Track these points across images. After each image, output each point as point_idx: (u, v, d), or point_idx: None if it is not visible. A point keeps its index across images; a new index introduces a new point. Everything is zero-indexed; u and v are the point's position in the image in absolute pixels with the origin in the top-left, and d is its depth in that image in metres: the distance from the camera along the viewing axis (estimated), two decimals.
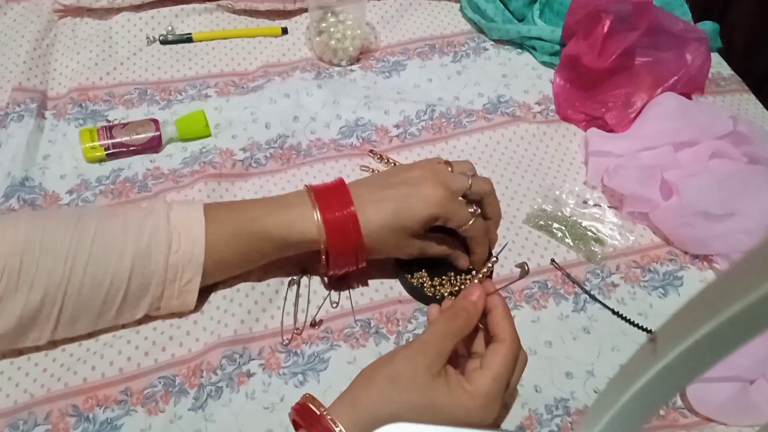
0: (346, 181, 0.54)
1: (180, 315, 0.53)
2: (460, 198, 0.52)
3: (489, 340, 0.44)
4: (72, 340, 0.52)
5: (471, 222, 0.52)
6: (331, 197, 0.51)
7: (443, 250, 0.55)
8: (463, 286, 0.57)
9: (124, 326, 0.53)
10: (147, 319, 0.53)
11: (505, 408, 0.46)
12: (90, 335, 0.52)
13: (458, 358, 0.46)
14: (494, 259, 0.55)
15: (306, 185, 0.53)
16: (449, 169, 0.53)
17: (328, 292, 0.57)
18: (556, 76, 0.76)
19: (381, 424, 0.40)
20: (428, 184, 0.50)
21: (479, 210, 0.53)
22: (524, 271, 0.49)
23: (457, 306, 0.44)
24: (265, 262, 0.54)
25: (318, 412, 0.42)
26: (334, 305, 0.56)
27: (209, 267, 0.50)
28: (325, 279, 0.58)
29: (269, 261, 0.54)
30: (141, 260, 0.47)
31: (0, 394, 0.49)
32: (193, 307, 0.52)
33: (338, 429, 0.40)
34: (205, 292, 0.54)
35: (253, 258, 0.53)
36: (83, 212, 0.50)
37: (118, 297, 0.48)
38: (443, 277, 0.58)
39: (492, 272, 0.57)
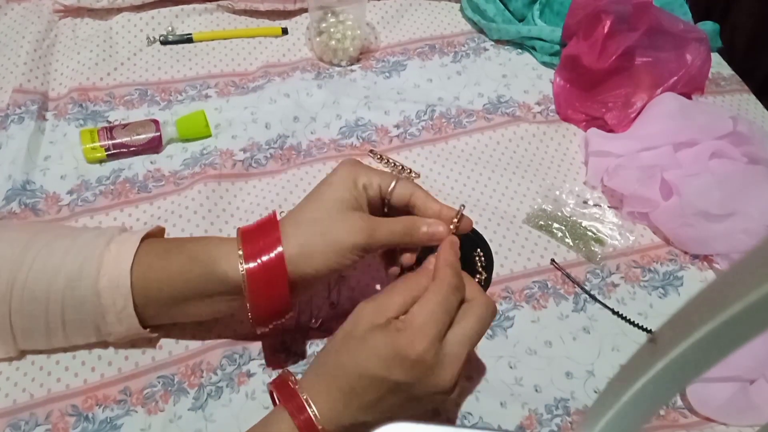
0: None
1: (150, 342, 0.52)
2: (372, 169, 0.47)
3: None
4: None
5: (393, 183, 0.47)
6: (258, 237, 0.45)
7: (395, 230, 0.46)
8: None
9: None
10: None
11: (462, 364, 0.42)
12: None
13: None
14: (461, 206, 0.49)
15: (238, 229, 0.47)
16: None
17: (328, 292, 0.57)
18: (556, 76, 0.76)
19: (333, 377, 0.41)
20: (345, 215, 0.45)
21: (403, 168, 0.51)
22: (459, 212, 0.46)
23: (417, 273, 0.44)
24: (202, 309, 0.48)
25: (293, 388, 0.42)
26: (334, 305, 0.56)
27: (138, 293, 0.46)
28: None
29: (207, 308, 0.49)
30: (72, 283, 0.46)
31: None
32: (140, 331, 0.48)
33: (304, 397, 0.41)
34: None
35: (183, 290, 0.47)
36: (39, 230, 0.49)
37: (58, 319, 0.47)
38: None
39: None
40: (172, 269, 0.46)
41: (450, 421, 0.51)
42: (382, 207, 0.48)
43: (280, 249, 0.43)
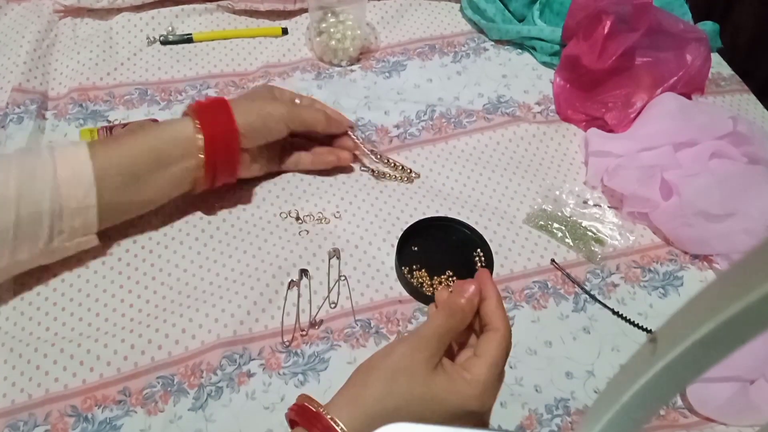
0: (344, 182, 0.53)
1: (86, 243, 0.54)
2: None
3: (482, 327, 0.44)
4: (70, 340, 0.52)
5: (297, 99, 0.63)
6: (212, 114, 0.56)
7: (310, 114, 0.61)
8: None
9: (115, 324, 0.53)
10: (140, 314, 0.54)
11: (497, 399, 0.46)
12: (88, 334, 0.52)
13: (450, 350, 0.46)
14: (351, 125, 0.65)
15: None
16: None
17: (327, 292, 0.57)
18: (556, 76, 0.76)
19: (381, 418, 0.40)
20: (270, 104, 0.59)
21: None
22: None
23: (453, 303, 0.44)
24: (160, 182, 0.55)
25: (316, 411, 0.42)
26: (333, 305, 0.56)
27: (101, 176, 0.50)
28: (327, 278, 0.58)
29: (165, 181, 0.55)
30: (27, 180, 0.48)
31: None
32: (95, 225, 0.52)
33: (339, 427, 0.40)
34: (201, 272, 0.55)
35: (144, 161, 0.53)
36: None
37: (9, 226, 0.48)
38: (443, 276, 0.58)
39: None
40: (130, 146, 0.53)
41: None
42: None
43: (231, 116, 0.55)
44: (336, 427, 0.40)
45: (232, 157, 0.57)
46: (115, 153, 0.52)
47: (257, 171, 0.61)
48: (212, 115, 0.55)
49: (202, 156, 0.54)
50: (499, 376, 0.43)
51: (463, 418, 0.41)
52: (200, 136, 0.54)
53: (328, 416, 0.41)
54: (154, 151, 0.53)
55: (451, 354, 0.45)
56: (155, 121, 0.66)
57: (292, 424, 0.44)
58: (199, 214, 0.61)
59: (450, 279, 0.58)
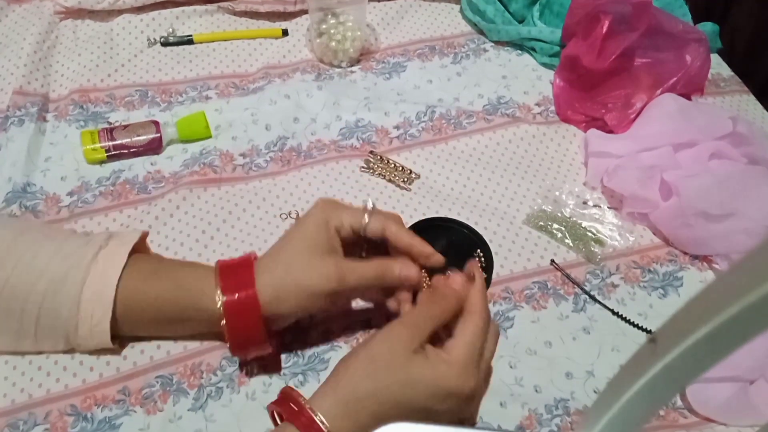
0: (345, 183, 0.52)
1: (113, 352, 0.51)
2: (346, 207, 0.49)
3: (462, 313, 0.45)
4: None
5: (365, 221, 0.48)
6: (235, 274, 0.47)
7: (367, 275, 0.48)
8: None
9: None
10: None
11: (485, 382, 0.46)
12: None
13: (438, 342, 0.47)
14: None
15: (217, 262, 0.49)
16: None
17: None
18: (556, 77, 0.76)
19: (361, 403, 0.41)
20: (314, 259, 0.46)
21: (370, 205, 0.49)
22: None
23: (439, 292, 0.45)
24: (180, 332, 0.52)
25: (299, 403, 0.42)
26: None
27: (121, 310, 0.47)
28: None
29: (186, 332, 0.52)
30: (54, 286, 0.46)
31: None
32: (113, 346, 0.49)
33: (318, 418, 0.41)
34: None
35: (166, 314, 0.49)
36: (26, 228, 0.49)
37: (32, 318, 0.47)
38: (442, 276, 0.58)
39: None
40: (158, 293, 0.48)
41: (450, 420, 0.51)
42: (361, 241, 0.50)
43: (253, 290, 0.45)
44: (315, 418, 0.41)
45: (258, 339, 0.47)
46: (140, 292, 0.47)
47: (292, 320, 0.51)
48: (237, 305, 0.45)
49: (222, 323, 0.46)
50: (477, 357, 0.43)
51: (446, 400, 0.42)
52: (221, 314, 0.45)
53: (308, 406, 0.41)
54: (180, 303, 0.48)
55: (439, 345, 0.46)
56: (156, 122, 0.66)
57: (278, 416, 0.45)
58: (198, 214, 0.61)
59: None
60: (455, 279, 0.46)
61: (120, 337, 0.50)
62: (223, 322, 0.45)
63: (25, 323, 0.47)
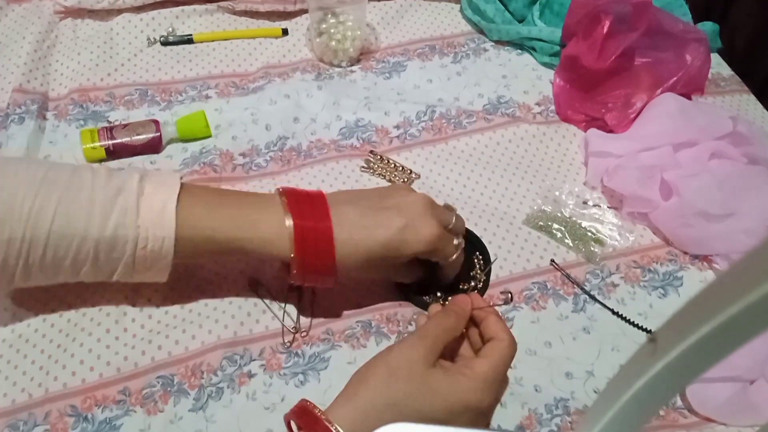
0: (345, 183, 0.53)
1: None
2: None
3: (485, 339, 0.46)
4: (73, 339, 0.52)
5: (455, 255, 0.52)
6: (307, 208, 0.49)
7: (411, 278, 0.55)
8: None
9: (117, 322, 0.53)
10: (140, 313, 0.54)
11: (499, 403, 0.47)
12: (90, 331, 0.52)
13: (446, 358, 0.48)
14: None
15: (280, 191, 0.50)
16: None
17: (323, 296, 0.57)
18: (556, 76, 0.76)
19: (378, 414, 0.41)
20: (425, 218, 0.48)
21: (462, 243, 0.52)
22: (508, 299, 0.53)
23: (448, 307, 0.47)
24: (238, 257, 0.54)
25: (316, 415, 0.42)
26: (304, 334, 0.55)
27: (177, 252, 0.47)
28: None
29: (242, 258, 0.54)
30: (106, 247, 0.46)
31: None
32: (165, 279, 0.50)
33: (334, 428, 0.40)
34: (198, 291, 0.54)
35: (222, 261, 0.52)
36: (47, 176, 0.46)
37: (87, 257, 0.46)
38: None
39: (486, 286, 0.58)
40: (217, 251, 0.49)
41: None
42: None
43: (328, 221, 0.48)
44: (332, 428, 0.40)
45: (327, 273, 0.49)
46: (200, 222, 0.48)
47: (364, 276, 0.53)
48: (311, 238, 0.47)
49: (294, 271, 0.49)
50: (501, 382, 0.44)
51: (462, 415, 0.42)
52: (291, 253, 0.48)
53: (324, 418, 0.41)
54: (239, 240, 0.48)
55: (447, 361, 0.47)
56: (155, 121, 0.66)
57: (292, 426, 0.44)
58: None
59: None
60: (461, 297, 0.48)
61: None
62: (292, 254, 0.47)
63: (79, 260, 0.46)
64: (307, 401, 0.44)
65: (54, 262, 0.46)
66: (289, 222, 0.47)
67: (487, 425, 0.46)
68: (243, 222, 0.48)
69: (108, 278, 0.49)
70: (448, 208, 0.53)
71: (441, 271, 0.54)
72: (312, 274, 0.49)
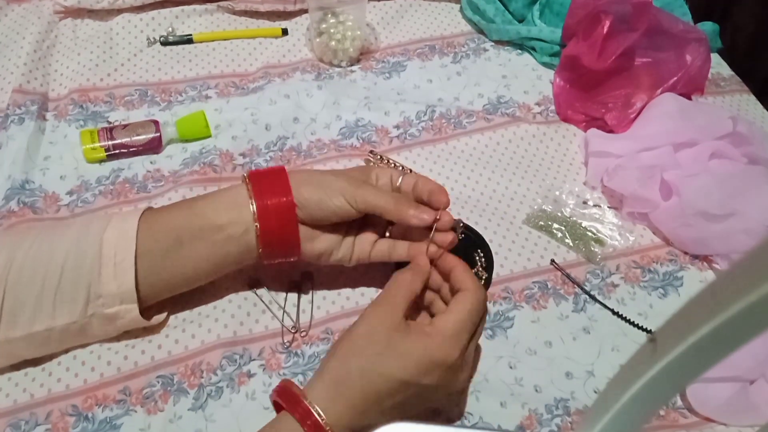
0: None
1: (126, 313, 0.49)
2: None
3: (453, 291, 0.47)
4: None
5: (400, 178, 0.51)
6: (268, 182, 0.50)
7: (384, 196, 0.50)
8: None
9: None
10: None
11: (475, 362, 0.48)
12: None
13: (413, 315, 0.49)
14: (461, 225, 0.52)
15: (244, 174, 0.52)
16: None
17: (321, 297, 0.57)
18: (556, 76, 0.76)
19: (351, 384, 0.42)
20: (363, 171, 0.52)
21: (397, 167, 0.54)
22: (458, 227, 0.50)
23: (405, 269, 0.48)
24: (204, 253, 0.50)
25: (296, 394, 0.43)
26: (303, 333, 0.55)
27: (143, 251, 0.47)
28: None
29: (214, 240, 0.49)
30: (77, 242, 0.47)
31: (0, 394, 0.49)
32: (133, 293, 0.47)
33: (314, 408, 0.42)
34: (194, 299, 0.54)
35: (188, 230, 0.49)
36: (32, 226, 0.51)
37: (54, 280, 0.46)
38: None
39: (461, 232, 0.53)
40: (178, 210, 0.50)
41: (450, 420, 0.51)
42: (385, 222, 0.52)
43: (289, 194, 0.48)
44: (312, 409, 0.42)
45: (289, 229, 0.49)
46: (161, 217, 0.49)
47: (324, 251, 0.51)
48: (266, 182, 0.49)
49: (256, 224, 0.48)
50: (465, 332, 0.44)
51: (433, 371, 0.43)
52: (252, 204, 0.48)
53: (306, 400, 0.42)
54: (201, 216, 0.49)
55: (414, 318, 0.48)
56: (155, 122, 0.66)
57: (276, 406, 0.46)
58: None
59: None
60: (417, 253, 0.49)
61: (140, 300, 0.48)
62: (257, 225, 0.48)
63: (46, 288, 0.46)
64: (288, 381, 0.46)
65: (30, 280, 0.46)
66: (252, 200, 0.48)
67: (466, 382, 0.46)
68: (205, 197, 0.51)
69: (80, 297, 0.47)
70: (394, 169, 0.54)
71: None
72: (278, 244, 0.50)
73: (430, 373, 0.42)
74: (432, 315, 0.49)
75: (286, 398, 0.44)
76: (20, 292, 0.46)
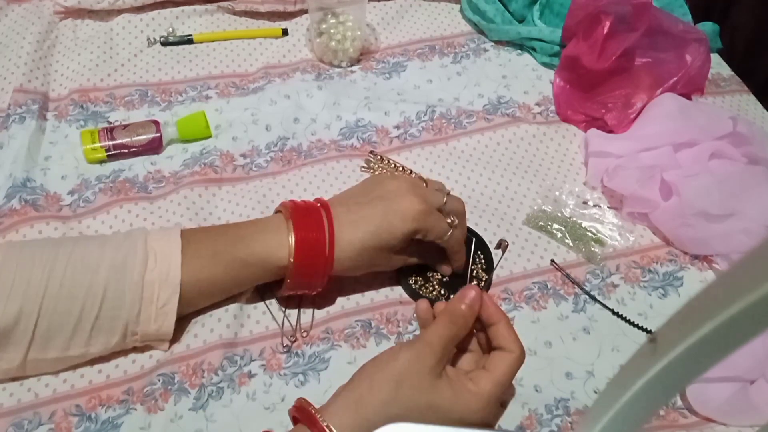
0: (345, 183, 0.53)
1: (158, 344, 0.51)
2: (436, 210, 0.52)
3: (491, 347, 0.45)
4: None
5: (449, 233, 0.52)
6: (308, 220, 0.50)
7: (422, 261, 0.56)
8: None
9: None
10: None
11: (502, 406, 0.47)
12: None
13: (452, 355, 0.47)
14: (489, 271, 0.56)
15: (283, 204, 0.53)
16: (424, 184, 0.54)
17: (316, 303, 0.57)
18: (556, 77, 0.76)
19: (381, 423, 0.40)
20: (406, 197, 0.50)
21: (456, 220, 0.53)
22: (504, 247, 0.51)
23: (455, 311, 0.44)
24: (242, 290, 0.54)
25: (312, 413, 0.42)
26: (304, 334, 0.55)
27: (186, 289, 0.48)
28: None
29: (246, 288, 0.54)
30: (116, 274, 0.46)
31: (4, 393, 0.49)
32: (171, 333, 0.50)
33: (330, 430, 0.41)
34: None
35: (229, 283, 0.52)
36: (63, 237, 0.52)
37: (93, 312, 0.46)
38: (444, 278, 0.58)
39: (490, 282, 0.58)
40: (225, 267, 0.50)
41: None
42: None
43: (323, 234, 0.50)
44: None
45: (319, 281, 0.52)
46: (205, 250, 0.50)
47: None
48: (309, 250, 0.49)
49: (288, 280, 0.51)
50: (503, 391, 0.43)
51: (458, 422, 0.42)
52: (291, 260, 0.49)
53: (324, 423, 0.41)
54: (244, 267, 0.50)
55: (451, 358, 0.46)
56: (156, 122, 0.66)
57: (295, 420, 0.45)
58: (201, 213, 0.61)
59: (444, 279, 0.58)
60: (469, 294, 0.45)
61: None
62: (292, 259, 0.49)
63: (84, 319, 0.46)
64: (303, 400, 0.45)
65: (66, 308, 0.46)
66: (292, 240, 0.49)
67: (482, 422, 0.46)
68: (249, 234, 0.51)
69: (117, 332, 0.48)
70: (439, 189, 0.54)
71: (447, 259, 0.55)
72: (306, 279, 0.51)
73: (455, 422, 0.42)
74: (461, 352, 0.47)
75: (304, 418, 0.43)
76: (56, 319, 0.46)
